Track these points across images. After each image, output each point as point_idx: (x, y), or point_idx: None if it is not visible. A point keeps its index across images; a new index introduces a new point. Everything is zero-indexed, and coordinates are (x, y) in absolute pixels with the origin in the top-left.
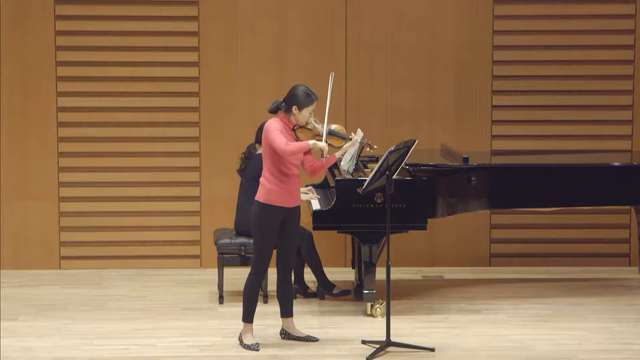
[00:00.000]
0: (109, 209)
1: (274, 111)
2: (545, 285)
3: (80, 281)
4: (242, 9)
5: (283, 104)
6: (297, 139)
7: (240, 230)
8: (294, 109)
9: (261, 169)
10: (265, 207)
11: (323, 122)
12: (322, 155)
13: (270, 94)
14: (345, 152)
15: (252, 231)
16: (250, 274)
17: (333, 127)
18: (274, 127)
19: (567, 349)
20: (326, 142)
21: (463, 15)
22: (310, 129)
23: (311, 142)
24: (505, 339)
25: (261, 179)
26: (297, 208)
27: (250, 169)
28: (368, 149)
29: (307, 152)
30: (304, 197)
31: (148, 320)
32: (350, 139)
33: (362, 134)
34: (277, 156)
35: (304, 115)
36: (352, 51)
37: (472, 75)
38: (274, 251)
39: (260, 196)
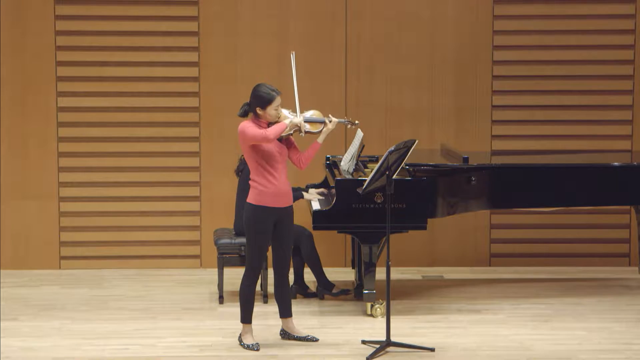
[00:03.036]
0: (109, 209)
1: (244, 115)
2: (545, 285)
3: (80, 281)
4: (242, 9)
5: (249, 106)
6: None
7: (239, 232)
8: (258, 110)
9: None
10: (257, 209)
11: (296, 113)
12: (300, 132)
13: None
14: (326, 136)
15: (245, 232)
16: (244, 275)
17: (308, 114)
18: (249, 125)
19: (567, 349)
20: (305, 131)
21: (463, 15)
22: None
23: (287, 120)
24: (505, 339)
25: (250, 182)
26: (290, 208)
27: (248, 172)
28: (349, 125)
29: (291, 146)
30: (307, 196)
31: (148, 320)
32: (326, 122)
33: (362, 134)
34: (261, 156)
35: (270, 113)
36: (352, 51)
37: (472, 75)
38: (269, 253)
39: (251, 198)
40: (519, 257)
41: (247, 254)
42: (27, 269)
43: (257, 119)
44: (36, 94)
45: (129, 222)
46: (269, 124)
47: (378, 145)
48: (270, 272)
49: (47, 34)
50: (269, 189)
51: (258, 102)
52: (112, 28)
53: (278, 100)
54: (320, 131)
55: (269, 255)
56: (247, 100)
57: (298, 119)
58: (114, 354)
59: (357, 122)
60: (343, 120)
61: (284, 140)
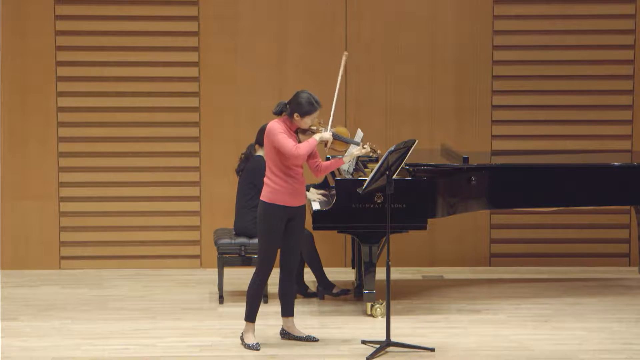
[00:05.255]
0: (109, 209)
1: (278, 113)
2: (545, 285)
3: (80, 281)
4: (242, 9)
5: (287, 106)
6: (299, 141)
7: (239, 232)
8: (296, 115)
9: (259, 173)
10: (270, 207)
11: (327, 125)
12: (325, 146)
13: (270, 94)
14: (353, 158)
15: (257, 230)
16: (255, 273)
17: (336, 130)
18: (279, 130)
19: (567, 349)
20: (330, 146)
21: (463, 15)
22: (313, 132)
23: (317, 136)
24: (505, 339)
25: (265, 179)
26: (303, 207)
27: (248, 172)
28: (372, 154)
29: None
30: (310, 196)
31: (148, 320)
32: (356, 143)
33: (362, 134)
34: (281, 157)
35: (306, 122)
36: (352, 51)
37: (472, 75)
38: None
39: (265, 196)
40: (519, 257)
41: (258, 252)
42: (27, 269)
43: (289, 121)
44: (36, 94)
45: (129, 222)
46: (298, 129)
47: (378, 145)
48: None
49: (47, 34)
50: (284, 188)
51: (299, 109)
52: (112, 28)
53: (317, 113)
54: (344, 150)
55: None
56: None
57: (327, 134)
58: (114, 354)
59: (379, 151)
60: (369, 147)
61: None
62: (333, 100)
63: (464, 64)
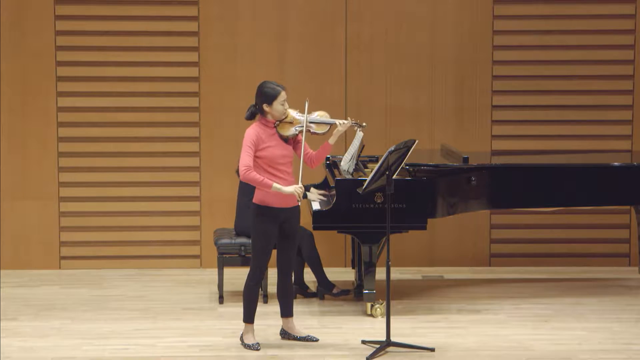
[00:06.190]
0: (109, 209)
1: (251, 117)
2: (545, 285)
3: (80, 281)
4: (242, 9)
5: (256, 106)
6: (280, 136)
7: (239, 232)
8: (265, 106)
9: None
10: (263, 210)
11: (303, 114)
12: (298, 200)
13: None
14: (338, 137)
15: (250, 233)
16: (248, 275)
17: (315, 114)
18: (247, 140)
19: (567, 349)
20: (308, 131)
21: (463, 15)
22: (290, 122)
23: (276, 186)
24: (505, 339)
25: None
26: (296, 208)
27: None
28: (357, 128)
29: (297, 143)
30: (310, 196)
31: (148, 320)
32: (332, 122)
33: (362, 134)
34: (263, 160)
35: (277, 108)
36: (352, 51)
37: (472, 75)
38: (274, 251)
39: (256, 199)
40: (519, 257)
41: (252, 254)
42: (27, 269)
43: (264, 119)
44: (36, 94)
45: (129, 222)
46: (277, 124)
47: (378, 145)
48: (271, 272)
49: (47, 34)
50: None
51: (264, 99)
52: (112, 28)
53: (283, 95)
54: (326, 133)
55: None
56: (246, 99)
57: (291, 188)
58: (114, 354)
59: (364, 124)
60: (354, 122)
61: (291, 140)
62: (303, 129)
63: (464, 64)
